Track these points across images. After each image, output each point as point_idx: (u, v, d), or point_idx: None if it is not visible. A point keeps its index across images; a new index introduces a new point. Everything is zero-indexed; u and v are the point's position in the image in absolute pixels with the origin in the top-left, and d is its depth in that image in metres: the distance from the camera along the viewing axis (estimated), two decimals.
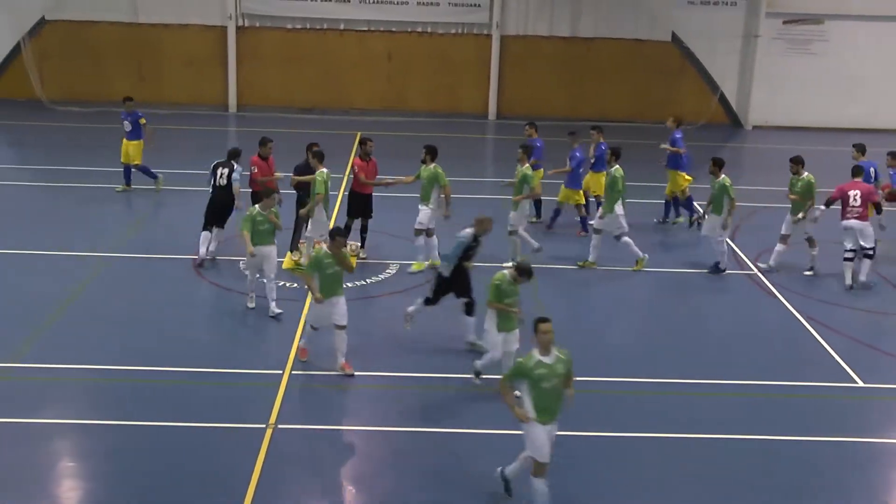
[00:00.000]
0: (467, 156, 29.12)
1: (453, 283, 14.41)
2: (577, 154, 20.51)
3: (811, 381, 14.06)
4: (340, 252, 13.17)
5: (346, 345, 13.33)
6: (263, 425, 12.05)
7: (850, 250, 18.05)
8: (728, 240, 20.27)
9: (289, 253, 17.82)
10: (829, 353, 15.05)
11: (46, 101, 33.42)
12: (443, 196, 17.75)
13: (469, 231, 14.30)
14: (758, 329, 16.07)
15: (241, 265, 15.33)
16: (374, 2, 33.75)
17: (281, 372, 13.54)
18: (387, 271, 17.91)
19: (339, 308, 13.30)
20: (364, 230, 18.57)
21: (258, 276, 15.60)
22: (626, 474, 11.40)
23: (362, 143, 18.71)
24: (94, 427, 12.04)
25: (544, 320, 10.01)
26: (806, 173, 18.47)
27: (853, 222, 17.97)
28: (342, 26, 34.02)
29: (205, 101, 34.09)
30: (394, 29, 34.13)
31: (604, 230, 18.34)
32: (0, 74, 34.00)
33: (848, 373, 14.37)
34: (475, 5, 33.83)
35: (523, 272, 12.52)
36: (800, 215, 18.25)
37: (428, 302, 14.60)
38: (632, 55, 34.37)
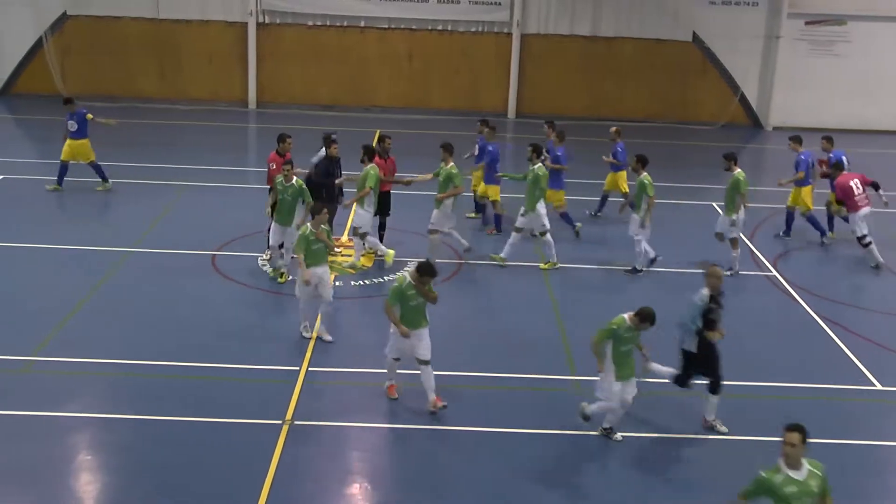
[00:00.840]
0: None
1: (699, 358, 12.33)
2: (552, 146, 20.71)
3: (828, 384, 14.00)
4: (426, 286, 12.36)
5: (433, 380, 12.49)
6: (280, 421, 12.10)
7: (866, 235, 18.83)
8: (747, 241, 20.27)
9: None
10: (847, 356, 14.99)
11: (68, 96, 33.56)
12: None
13: (704, 292, 12.35)
14: (775, 331, 16.02)
15: (296, 291, 14.41)
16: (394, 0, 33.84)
17: (298, 368, 13.59)
18: (405, 269, 17.92)
19: (424, 342, 12.49)
20: (382, 227, 18.62)
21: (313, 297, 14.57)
22: (640, 474, 11.39)
23: (381, 140, 18.76)
24: (113, 421, 12.12)
25: (793, 429, 8.48)
26: (738, 170, 18.23)
27: (867, 209, 18.85)
28: (363, 24, 34.05)
29: (225, 97, 34.19)
30: (414, 27, 34.13)
31: (525, 228, 18.16)
32: (22, 69, 34.19)
33: (866, 375, 14.32)
34: (496, 3, 33.79)
35: (425, 271, 12.21)
36: (733, 216, 18.07)
37: (678, 381, 12.61)
38: (652, 55, 34.26)
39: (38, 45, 33.74)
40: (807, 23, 34.10)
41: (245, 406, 12.51)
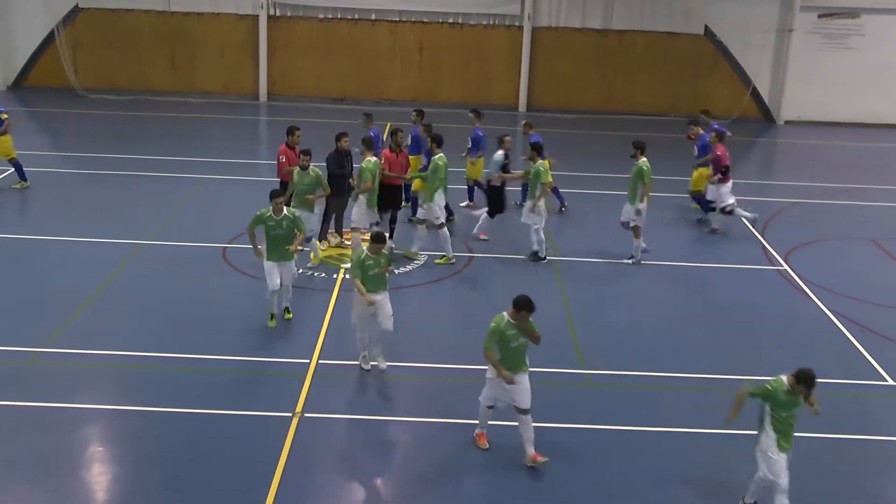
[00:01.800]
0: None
1: None
2: (479, 133, 20.87)
3: (841, 379, 13.94)
4: (527, 322, 11.00)
5: (532, 430, 11.15)
6: (290, 414, 12.11)
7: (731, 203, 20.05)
8: (759, 235, 20.20)
9: (317, 243, 17.86)
10: (860, 351, 14.93)
11: (80, 88, 33.68)
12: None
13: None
14: (787, 326, 15.96)
15: (352, 318, 13.24)
16: None
17: (308, 361, 13.60)
18: (415, 262, 17.93)
19: (523, 388, 11.09)
20: (393, 221, 18.61)
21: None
22: (651, 468, 11.37)
23: (393, 134, 18.72)
24: (124, 413, 12.16)
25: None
26: (643, 159, 18.14)
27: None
28: (374, 16, 34.03)
29: (236, 90, 34.23)
30: (425, 20, 34.10)
31: (427, 220, 17.98)
32: (34, 62, 34.28)
33: (878, 371, 14.26)
34: None
35: (523, 305, 10.95)
36: (640, 205, 17.99)
37: None
38: (664, 48, 34.16)
39: (51, 38, 33.82)
40: (820, 16, 33.95)
41: (255, 398, 12.53)
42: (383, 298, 12.99)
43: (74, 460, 11.15)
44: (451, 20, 34.14)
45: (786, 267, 18.62)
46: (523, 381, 11.05)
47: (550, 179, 17.91)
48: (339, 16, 34.04)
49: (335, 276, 17.03)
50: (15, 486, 10.52)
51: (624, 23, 34.07)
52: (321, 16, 34.01)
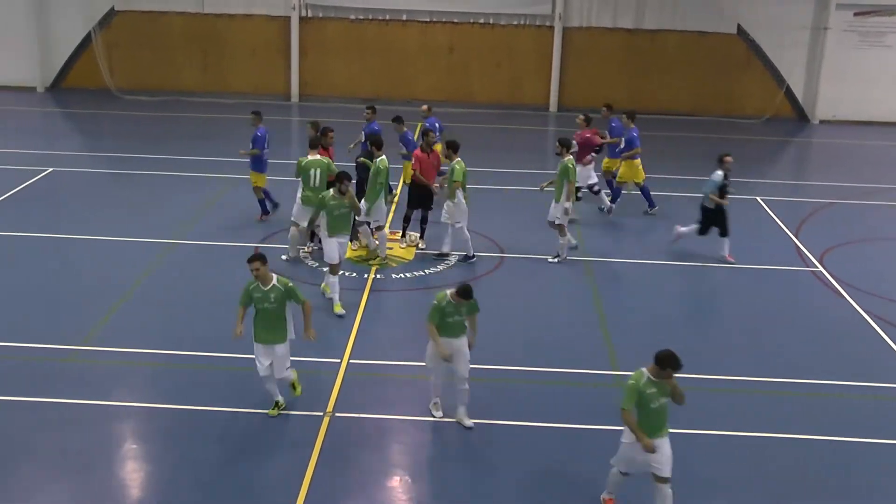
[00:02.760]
0: (527, 148, 29.06)
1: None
2: (409, 136, 20.78)
3: (877, 382, 13.80)
4: (670, 378, 9.85)
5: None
6: (321, 413, 12.15)
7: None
8: (793, 236, 20.05)
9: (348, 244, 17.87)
10: None
11: (115, 89, 33.98)
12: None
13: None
14: (822, 327, 15.81)
15: (426, 362, 12.26)
16: None
17: (339, 361, 13.63)
18: (445, 262, 17.93)
19: (664, 452, 9.93)
20: (424, 221, 18.64)
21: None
22: (685, 472, 11.30)
23: (424, 134, 18.74)
24: (157, 410, 12.24)
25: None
26: (568, 157, 17.89)
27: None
28: (405, 17, 34.09)
29: (268, 90, 34.39)
30: (456, 20, 34.12)
31: (372, 221, 17.64)
32: (71, 64, 34.67)
33: None
34: None
35: (669, 362, 9.77)
36: (566, 203, 17.74)
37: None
38: (696, 48, 33.96)
39: (88, 40, 34.17)
40: (856, 14, 33.56)
41: (286, 398, 12.56)
42: (461, 343, 12.02)
43: (109, 457, 11.23)
44: (481, 20, 34.13)
45: (821, 268, 18.44)
46: (664, 445, 9.91)
47: (459, 179, 17.46)
48: (370, 16, 34.13)
49: (366, 275, 17.07)
50: (51, 483, 10.62)
51: (655, 22, 33.90)
52: (352, 16, 34.12)
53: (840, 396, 13.35)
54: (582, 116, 21.21)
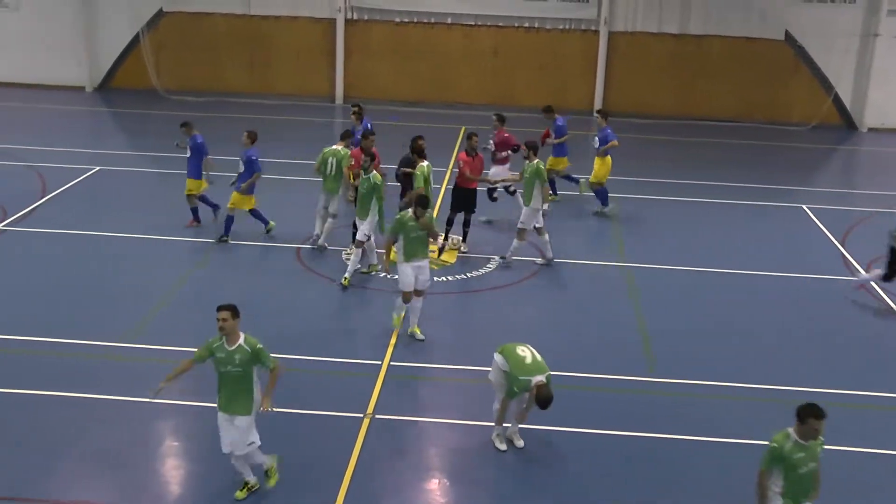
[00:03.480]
0: (571, 153, 28.94)
1: None
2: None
3: None
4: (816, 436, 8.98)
5: None
6: (361, 415, 12.20)
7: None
8: (839, 245, 19.84)
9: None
10: None
11: (161, 90, 34.32)
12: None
13: None
14: (867, 339, 15.60)
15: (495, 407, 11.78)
16: None
17: (380, 363, 13.67)
18: (487, 266, 17.92)
19: None
20: (466, 224, 18.66)
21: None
22: (730, 480, 11.23)
23: (469, 137, 18.77)
24: (199, 409, 12.33)
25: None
26: (536, 160, 17.79)
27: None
28: (449, 20, 34.11)
29: (312, 92, 34.55)
30: (501, 24, 34.08)
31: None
32: (119, 64, 35.06)
33: None
34: (583, 1, 33.55)
35: (811, 412, 8.89)
36: (543, 206, 17.65)
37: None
38: (743, 54, 33.62)
39: (136, 41, 34.54)
40: None
41: (327, 399, 12.63)
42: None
43: (150, 454, 11.36)
44: (526, 24, 34.06)
45: (866, 276, 18.20)
46: None
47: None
48: (414, 19, 34.19)
49: None
50: (90, 479, 10.75)
51: (701, 27, 33.63)
52: (397, 19, 34.20)
53: (887, 409, 13.18)
54: (496, 116, 20.88)
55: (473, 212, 18.68)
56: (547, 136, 21.95)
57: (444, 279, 17.19)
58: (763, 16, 33.02)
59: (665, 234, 20.49)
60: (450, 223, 18.72)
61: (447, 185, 21.17)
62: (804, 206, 22.61)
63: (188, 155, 19.36)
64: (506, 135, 20.63)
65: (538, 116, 33.02)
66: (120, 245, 18.38)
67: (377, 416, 12.21)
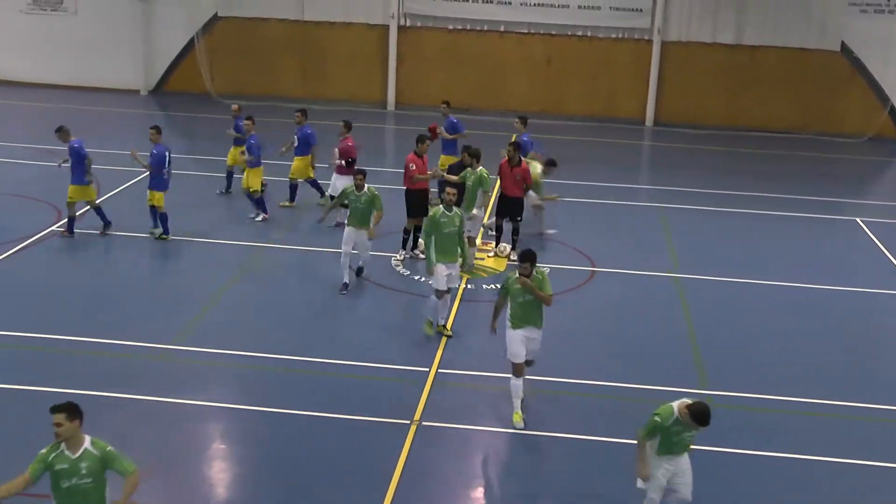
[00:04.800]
0: (621, 162, 28.85)
1: None
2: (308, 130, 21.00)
3: None
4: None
5: None
6: (408, 421, 12.20)
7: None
8: (893, 259, 19.55)
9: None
10: None
11: (215, 94, 34.67)
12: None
13: None
14: None
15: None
16: (534, 4, 33.68)
17: (427, 369, 13.68)
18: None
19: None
20: (515, 233, 18.64)
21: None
22: (792, 496, 11.10)
23: (517, 146, 18.75)
24: (245, 412, 12.43)
25: None
26: (480, 168, 17.82)
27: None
28: (502, 28, 34.10)
29: (364, 98, 34.70)
30: (553, 32, 34.00)
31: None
32: (174, 68, 35.48)
33: None
34: (637, 10, 33.36)
35: None
36: (473, 211, 17.77)
37: None
38: (797, 65, 33.22)
39: (190, 45, 34.94)
40: None
41: (374, 404, 12.65)
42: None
43: (195, 456, 11.45)
44: (579, 33, 33.95)
45: None
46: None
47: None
48: (467, 27, 34.21)
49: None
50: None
51: (756, 38, 33.28)
52: (450, 27, 34.24)
53: None
54: (343, 123, 20.41)
55: (520, 219, 18.59)
56: (435, 128, 21.48)
57: (493, 287, 17.15)
58: (821, 26, 32.59)
59: (717, 245, 20.32)
60: (498, 230, 18.71)
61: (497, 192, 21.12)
62: (858, 219, 22.31)
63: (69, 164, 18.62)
64: (350, 143, 19.84)
65: (589, 125, 33.23)
66: (170, 247, 18.57)
67: (424, 423, 12.21)
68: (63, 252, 18.17)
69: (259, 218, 20.25)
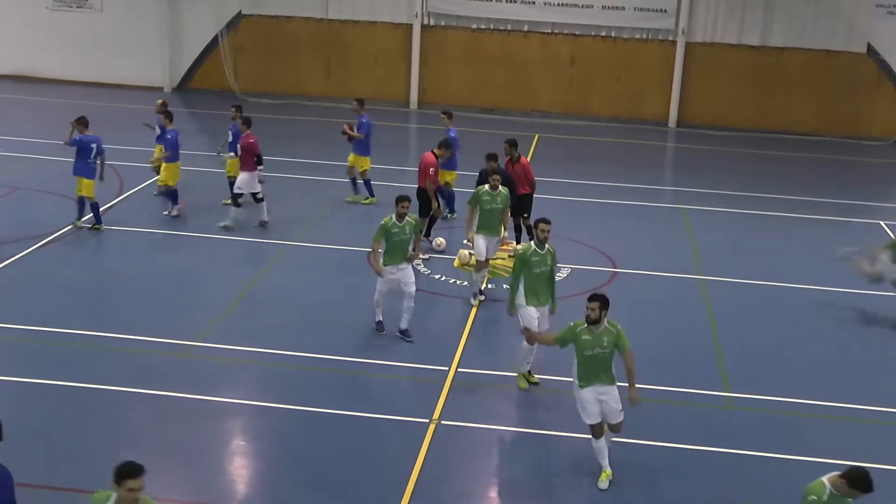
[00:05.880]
0: (646, 163, 28.76)
1: None
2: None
3: None
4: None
5: None
6: (427, 420, 12.20)
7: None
8: None
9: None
10: None
11: (239, 92, 34.77)
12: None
13: None
14: None
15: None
16: (558, 4, 33.58)
17: (447, 368, 13.66)
18: (558, 274, 17.79)
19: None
20: (529, 231, 18.52)
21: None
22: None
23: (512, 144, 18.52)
24: (267, 409, 12.46)
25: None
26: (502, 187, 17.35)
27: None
28: (526, 28, 34.03)
29: (388, 97, 34.69)
30: (577, 32, 33.89)
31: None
32: (198, 66, 35.62)
33: None
34: (661, 11, 33.20)
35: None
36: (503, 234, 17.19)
37: None
38: (823, 67, 32.98)
39: (214, 42, 35.07)
40: None
41: (394, 403, 12.66)
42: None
43: (218, 452, 11.49)
44: (603, 34, 33.83)
45: None
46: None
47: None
48: (491, 27, 34.17)
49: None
50: (159, 474, 10.87)
51: (782, 40, 33.06)
52: (474, 26, 34.21)
53: None
54: (241, 118, 19.88)
55: (527, 215, 18.39)
56: (350, 129, 21.37)
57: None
58: (848, 28, 32.33)
59: (741, 247, 20.19)
60: (518, 230, 18.64)
61: None
62: (882, 223, 22.13)
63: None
64: (251, 140, 19.39)
65: (613, 126, 33.12)
66: (192, 244, 18.65)
67: (443, 422, 12.20)
68: (87, 248, 18.30)
69: (174, 212, 20.00)
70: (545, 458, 11.74)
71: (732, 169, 27.86)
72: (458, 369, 13.70)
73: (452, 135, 20.29)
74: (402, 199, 14.31)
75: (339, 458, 11.28)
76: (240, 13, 34.73)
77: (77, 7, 35.41)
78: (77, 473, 10.68)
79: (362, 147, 21.45)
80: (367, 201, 21.44)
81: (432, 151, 18.44)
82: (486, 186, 16.09)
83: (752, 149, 30.81)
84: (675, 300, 17.01)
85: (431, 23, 34.30)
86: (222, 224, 19.31)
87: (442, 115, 21.24)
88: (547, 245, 13.03)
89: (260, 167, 19.41)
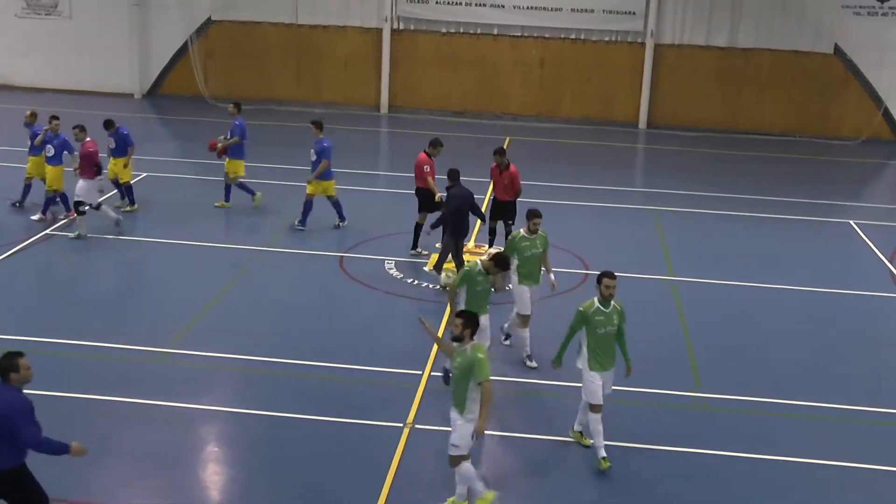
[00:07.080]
0: (615, 165, 28.89)
1: None
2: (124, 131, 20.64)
3: None
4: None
5: None
6: (401, 424, 12.19)
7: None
8: (888, 262, 19.55)
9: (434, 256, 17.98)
10: None
11: (209, 97, 34.67)
12: None
13: None
14: None
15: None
16: (528, 7, 33.70)
17: (420, 372, 13.67)
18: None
19: None
20: (507, 235, 18.61)
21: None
22: (786, 500, 11.09)
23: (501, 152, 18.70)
24: (241, 415, 12.41)
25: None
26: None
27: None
28: (496, 31, 34.14)
29: (358, 101, 34.74)
30: (547, 35, 34.03)
31: None
32: (168, 72, 35.50)
33: None
34: (630, 13, 33.41)
35: None
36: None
37: None
38: (791, 67, 33.30)
39: (184, 48, 34.97)
40: None
41: (367, 407, 12.64)
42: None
43: (191, 458, 11.43)
44: (572, 36, 33.99)
45: None
46: None
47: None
48: (461, 30, 34.26)
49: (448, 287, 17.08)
50: (132, 481, 10.84)
51: (750, 41, 33.34)
52: (444, 30, 34.28)
53: None
54: (78, 127, 19.37)
55: (511, 222, 18.55)
56: (216, 144, 21.09)
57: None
58: (814, 29, 32.62)
59: (711, 248, 20.33)
60: (492, 233, 18.70)
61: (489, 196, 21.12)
62: (851, 222, 22.34)
63: None
64: (91, 148, 18.91)
65: (583, 127, 33.26)
66: (166, 250, 18.57)
67: (417, 426, 12.20)
68: (57, 255, 18.17)
69: (37, 217, 19.74)
70: (518, 460, 11.77)
71: (703, 169, 28.07)
72: (432, 373, 13.69)
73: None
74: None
75: (314, 464, 11.26)
76: (209, 19, 34.65)
77: (46, 14, 35.21)
78: (50, 481, 10.58)
79: (237, 150, 21.19)
80: (130, 208, 20.87)
81: (424, 151, 18.59)
82: (523, 231, 14.02)
83: (722, 149, 31.05)
84: (647, 301, 17.06)
85: (401, 27, 34.34)
86: (72, 234, 18.84)
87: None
88: (613, 302, 11.48)
89: (99, 176, 19.08)
